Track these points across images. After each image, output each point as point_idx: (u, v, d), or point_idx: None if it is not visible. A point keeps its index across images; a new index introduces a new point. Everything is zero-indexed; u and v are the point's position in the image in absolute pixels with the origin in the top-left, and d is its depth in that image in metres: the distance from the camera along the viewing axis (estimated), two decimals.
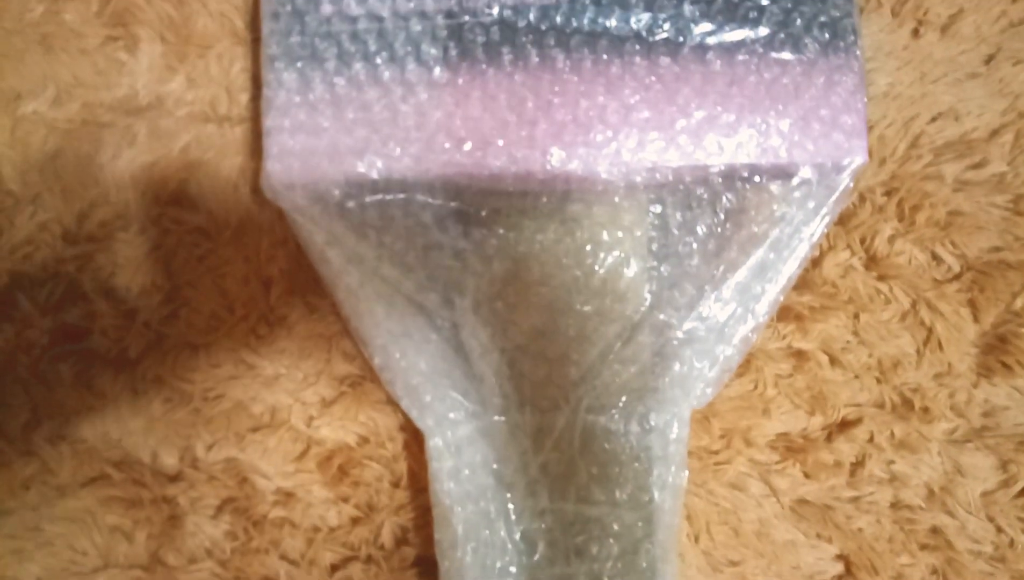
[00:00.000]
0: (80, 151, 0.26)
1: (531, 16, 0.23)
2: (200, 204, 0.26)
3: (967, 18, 0.31)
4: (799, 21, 0.23)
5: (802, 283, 0.28)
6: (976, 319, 0.29)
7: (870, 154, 0.29)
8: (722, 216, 0.23)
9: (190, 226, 0.26)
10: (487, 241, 0.23)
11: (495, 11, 0.23)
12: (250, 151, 0.27)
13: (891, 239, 0.29)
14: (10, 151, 0.26)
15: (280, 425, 0.26)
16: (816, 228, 0.23)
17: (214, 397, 0.26)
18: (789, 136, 0.22)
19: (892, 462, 0.28)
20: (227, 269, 0.26)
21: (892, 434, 0.28)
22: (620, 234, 0.24)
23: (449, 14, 0.23)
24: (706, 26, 0.23)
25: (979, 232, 0.29)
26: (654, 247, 0.24)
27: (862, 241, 0.29)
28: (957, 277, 0.29)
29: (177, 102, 0.27)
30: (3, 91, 0.27)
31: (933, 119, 0.30)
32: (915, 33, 0.31)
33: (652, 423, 0.23)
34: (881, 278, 0.29)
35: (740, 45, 0.23)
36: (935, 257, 0.29)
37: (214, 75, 0.27)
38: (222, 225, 0.27)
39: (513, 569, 0.22)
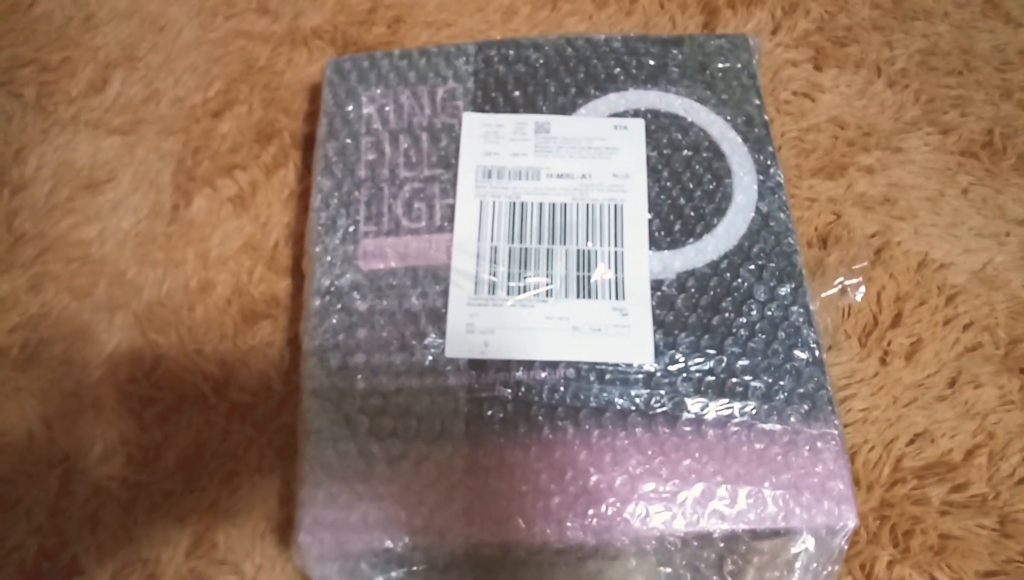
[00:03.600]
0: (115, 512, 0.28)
1: (543, 393, 0.26)
2: (228, 560, 0.28)
3: (927, 346, 0.35)
4: (781, 395, 0.27)
5: None
6: None
7: (857, 482, 0.32)
8: (727, 576, 0.25)
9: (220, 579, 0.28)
10: None
11: (510, 391, 0.26)
12: (274, 513, 0.29)
13: (890, 565, 0.31)
14: None
15: None
16: None
17: None
18: (783, 504, 0.25)
19: None
20: None
21: None
22: None
23: (468, 391, 0.26)
24: (700, 400, 0.26)
25: (972, 555, 0.31)
26: None
27: (862, 567, 0.31)
28: None
29: (213, 458, 0.30)
30: None
31: (911, 441, 0.34)
32: (883, 361, 0.35)
33: None
34: None
35: (731, 418, 0.26)
36: None
37: (244, 432, 0.30)
38: (249, 578, 0.28)
39: None
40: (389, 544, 0.25)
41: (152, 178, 0.36)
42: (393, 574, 0.25)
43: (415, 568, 0.25)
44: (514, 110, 0.32)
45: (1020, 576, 0.31)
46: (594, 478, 0.25)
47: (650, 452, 0.26)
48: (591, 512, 0.25)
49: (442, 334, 0.28)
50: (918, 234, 0.38)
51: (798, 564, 0.25)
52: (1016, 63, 0.44)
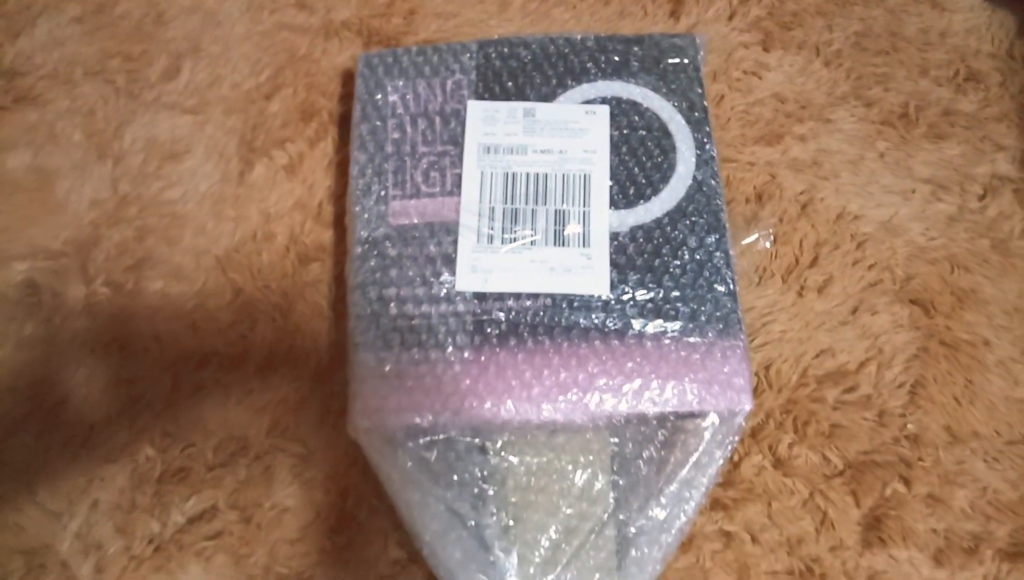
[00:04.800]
0: (214, 405, 0.39)
1: (528, 317, 0.37)
2: (299, 435, 0.39)
3: (836, 282, 0.46)
4: (702, 317, 0.37)
5: (727, 481, 0.40)
6: (858, 504, 0.41)
7: (770, 385, 0.42)
8: (659, 445, 0.36)
9: (290, 453, 0.39)
10: (500, 465, 0.36)
11: (504, 314, 0.37)
12: (330, 400, 0.40)
13: (790, 446, 0.42)
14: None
15: None
16: (722, 453, 0.36)
17: (304, 576, 0.37)
18: (699, 393, 0.36)
19: None
20: (315, 482, 0.39)
21: None
22: (591, 458, 0.36)
23: (473, 314, 0.37)
24: (642, 321, 0.37)
25: (854, 439, 0.42)
26: (615, 466, 0.36)
27: (769, 448, 0.41)
28: (841, 473, 0.41)
29: (281, 362, 0.41)
30: None
31: (816, 356, 0.44)
32: (799, 294, 0.45)
33: None
34: (786, 475, 0.41)
35: (664, 333, 0.37)
36: (825, 458, 0.42)
37: (307, 344, 0.41)
38: (312, 451, 0.39)
39: None
40: (417, 420, 0.36)
41: (220, 150, 0.46)
42: (420, 441, 0.36)
43: (435, 438, 0.36)
44: (507, 98, 0.42)
45: (889, 454, 0.42)
46: (563, 375, 0.36)
47: (604, 357, 0.36)
48: (561, 399, 0.36)
49: (453, 273, 0.38)
50: (839, 192, 0.48)
51: (707, 435, 0.36)
52: (936, 44, 0.52)
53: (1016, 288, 0.46)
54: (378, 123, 0.42)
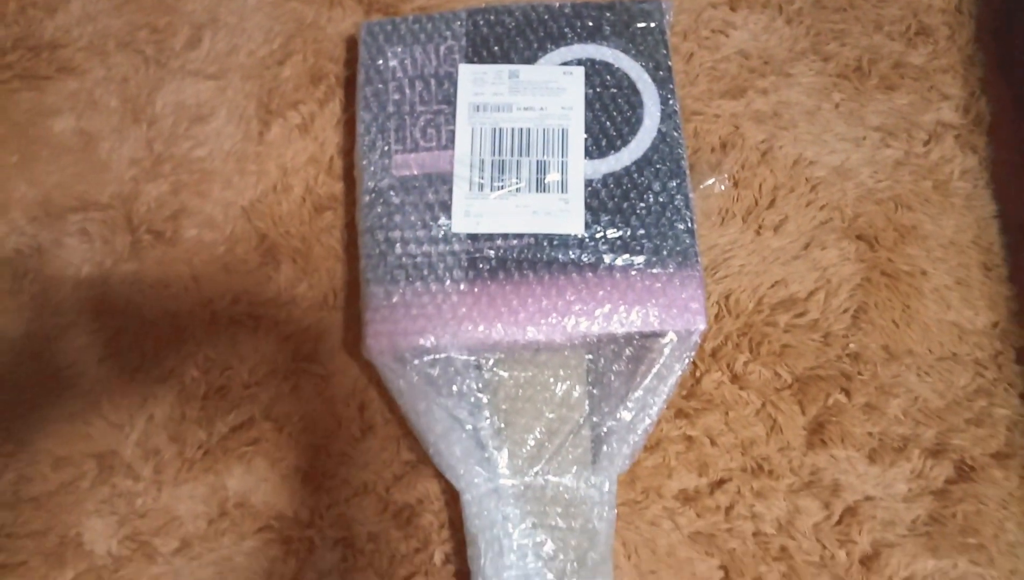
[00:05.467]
0: (247, 333, 0.46)
1: (514, 254, 0.43)
2: (320, 359, 0.46)
3: (791, 221, 0.52)
4: (664, 252, 0.43)
5: (690, 394, 0.47)
6: (803, 412, 0.48)
7: (729, 312, 0.49)
8: (626, 360, 0.43)
9: (314, 374, 0.46)
10: (493, 378, 0.43)
11: (494, 252, 0.43)
12: (346, 328, 0.46)
13: (746, 364, 0.48)
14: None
15: (369, 492, 0.45)
16: (680, 366, 0.42)
17: (329, 476, 0.45)
18: (660, 315, 0.42)
19: (753, 505, 0.46)
20: (337, 397, 0.46)
21: (752, 488, 0.47)
22: (569, 371, 0.43)
23: (467, 253, 0.44)
24: (612, 255, 0.43)
25: (801, 358, 0.49)
26: (590, 378, 0.43)
27: (727, 365, 0.48)
28: (789, 386, 0.48)
29: (302, 297, 0.47)
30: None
31: (771, 286, 0.50)
32: (757, 233, 0.51)
33: (593, 482, 0.42)
34: (741, 388, 0.48)
35: (631, 266, 0.43)
36: (776, 374, 0.48)
37: (324, 282, 0.47)
38: (332, 371, 0.46)
39: (513, 571, 0.40)
40: (421, 342, 0.42)
41: (241, 112, 0.52)
42: (425, 359, 0.43)
43: (438, 356, 0.43)
44: (494, 61, 0.47)
45: (832, 369, 0.49)
46: (544, 302, 0.43)
47: (579, 287, 0.43)
48: (543, 322, 0.43)
49: (449, 217, 0.45)
50: (796, 140, 0.54)
51: (667, 351, 0.42)
52: (890, 0, 0.57)
53: (953, 224, 0.52)
54: (380, 86, 0.48)
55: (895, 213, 0.52)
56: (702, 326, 0.43)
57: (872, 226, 0.52)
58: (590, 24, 0.47)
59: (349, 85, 0.53)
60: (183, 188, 0.50)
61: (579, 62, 0.47)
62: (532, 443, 0.43)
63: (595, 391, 0.43)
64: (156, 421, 0.45)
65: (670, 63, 0.47)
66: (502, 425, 0.43)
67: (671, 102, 0.47)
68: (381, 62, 0.48)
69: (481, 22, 0.48)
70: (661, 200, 0.45)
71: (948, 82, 0.55)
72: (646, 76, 0.47)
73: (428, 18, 0.49)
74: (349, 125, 0.52)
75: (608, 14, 0.48)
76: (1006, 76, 0.56)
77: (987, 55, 0.56)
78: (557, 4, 0.48)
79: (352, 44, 0.54)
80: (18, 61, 0.52)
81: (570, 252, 0.44)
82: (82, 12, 0.53)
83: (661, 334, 0.43)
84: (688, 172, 0.46)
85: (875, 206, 0.52)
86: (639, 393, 0.43)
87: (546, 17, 0.48)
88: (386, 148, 0.46)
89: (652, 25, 0.48)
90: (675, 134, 0.46)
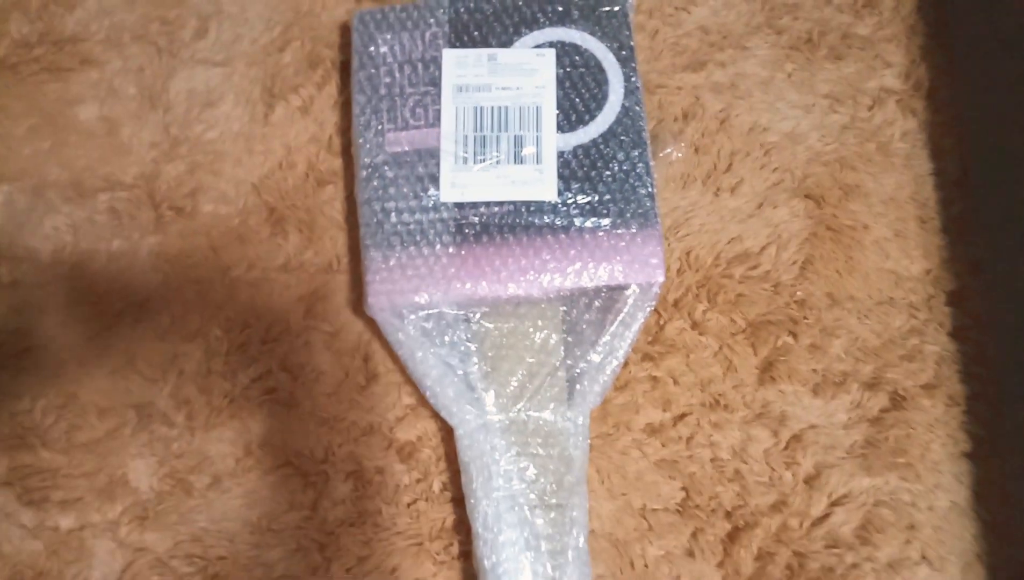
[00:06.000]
0: (262, 296, 0.53)
1: (496, 219, 0.49)
2: (328, 317, 0.53)
3: (746, 183, 0.58)
4: (628, 214, 0.50)
5: (655, 340, 0.54)
6: (755, 354, 0.54)
7: (690, 266, 0.55)
8: (596, 310, 0.49)
9: (323, 330, 0.53)
10: (480, 329, 0.50)
11: (478, 218, 0.49)
12: (349, 289, 0.53)
13: (704, 312, 0.55)
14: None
15: (375, 432, 0.52)
16: (642, 314, 0.49)
17: (340, 419, 0.52)
18: (624, 269, 0.49)
19: (711, 435, 0.53)
20: (344, 350, 0.52)
21: (710, 420, 0.53)
22: (546, 321, 0.50)
23: (455, 219, 0.50)
24: (581, 218, 0.50)
25: (754, 305, 0.55)
26: (564, 327, 0.50)
27: (688, 314, 0.55)
28: (743, 331, 0.55)
29: (310, 263, 0.54)
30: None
31: (728, 242, 0.56)
32: (715, 194, 0.57)
33: (568, 416, 0.49)
34: (701, 334, 0.55)
35: (598, 227, 0.49)
36: (731, 320, 0.55)
37: (328, 248, 0.54)
38: (339, 328, 0.53)
39: (500, 493, 0.47)
40: (416, 299, 0.49)
41: (247, 96, 0.58)
42: (420, 314, 0.49)
43: (431, 311, 0.49)
44: (474, 45, 0.53)
45: (781, 315, 0.55)
46: (523, 261, 0.49)
47: (553, 247, 0.49)
48: (522, 279, 0.49)
49: (438, 188, 0.51)
50: (752, 108, 0.59)
51: (630, 301, 0.49)
52: None
53: (893, 182, 0.58)
54: (372, 70, 0.53)
55: (840, 173, 0.58)
56: (661, 279, 0.49)
57: (819, 186, 0.58)
58: (560, 9, 0.53)
59: (344, 69, 0.58)
60: (198, 168, 0.56)
61: (550, 44, 0.53)
62: (515, 384, 0.50)
63: (569, 338, 0.50)
64: (186, 375, 0.52)
65: (632, 43, 0.53)
66: (489, 369, 0.50)
67: (633, 79, 0.52)
68: (372, 48, 0.53)
69: (462, 9, 0.54)
70: (625, 168, 0.51)
71: (891, 51, 0.61)
72: (611, 56, 0.52)
73: (414, 6, 0.54)
74: (346, 106, 0.57)
75: None
76: (945, 44, 0.61)
77: (928, 24, 0.62)
78: None
79: (345, 30, 0.59)
80: (44, 55, 0.57)
81: (545, 217, 0.50)
82: (98, 7, 0.58)
83: (625, 287, 0.49)
84: (649, 142, 0.52)
85: (822, 167, 0.58)
86: (607, 338, 0.49)
87: (520, 3, 0.53)
88: (380, 127, 0.52)
89: (616, 9, 0.53)
90: (637, 108, 0.52)
